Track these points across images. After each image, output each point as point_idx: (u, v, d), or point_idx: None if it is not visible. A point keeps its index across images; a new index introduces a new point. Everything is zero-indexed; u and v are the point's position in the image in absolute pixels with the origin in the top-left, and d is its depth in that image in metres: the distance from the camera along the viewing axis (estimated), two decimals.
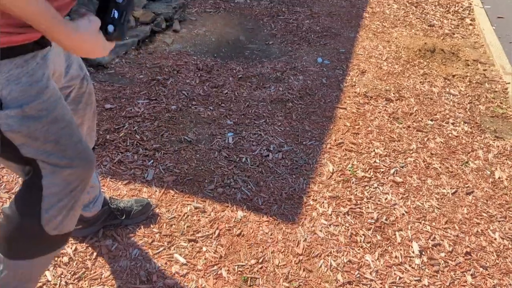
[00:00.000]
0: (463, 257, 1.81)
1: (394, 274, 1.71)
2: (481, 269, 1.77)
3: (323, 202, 2.01)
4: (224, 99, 2.71)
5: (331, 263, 1.72)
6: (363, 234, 1.86)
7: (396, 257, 1.78)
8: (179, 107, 2.59)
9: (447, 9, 4.31)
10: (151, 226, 1.81)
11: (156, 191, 1.98)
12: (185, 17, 3.66)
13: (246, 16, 3.82)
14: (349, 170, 2.22)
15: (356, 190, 2.10)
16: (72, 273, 1.59)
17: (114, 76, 2.82)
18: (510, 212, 2.05)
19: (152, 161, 2.16)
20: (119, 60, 2.97)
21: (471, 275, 1.74)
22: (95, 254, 1.66)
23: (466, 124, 2.67)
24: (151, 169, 2.10)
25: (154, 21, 3.44)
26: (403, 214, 1.99)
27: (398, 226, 1.93)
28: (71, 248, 1.68)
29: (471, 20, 4.12)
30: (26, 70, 0.97)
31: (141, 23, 3.42)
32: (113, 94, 2.63)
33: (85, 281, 1.57)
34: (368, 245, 1.82)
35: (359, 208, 2.00)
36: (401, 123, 2.63)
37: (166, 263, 1.66)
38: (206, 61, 3.12)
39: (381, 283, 1.66)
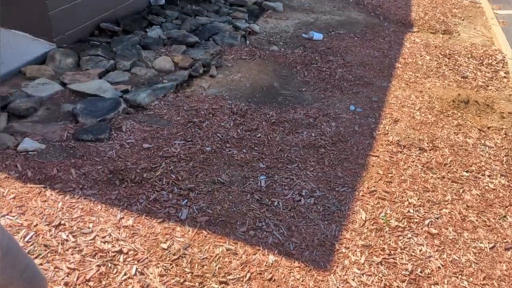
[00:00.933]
0: None
1: None
2: None
3: (355, 251, 1.98)
4: (257, 143, 2.76)
5: None
6: (397, 286, 1.82)
7: None
8: (214, 149, 2.65)
9: (481, 61, 4.32)
10: (183, 265, 1.82)
11: (189, 230, 2.00)
12: (221, 63, 3.81)
13: (280, 63, 3.94)
14: (382, 219, 2.19)
15: (390, 240, 2.06)
16: None
17: (153, 117, 2.94)
18: None
19: (186, 200, 2.20)
20: (158, 102, 3.10)
21: None
22: None
23: (503, 177, 2.62)
24: (185, 208, 2.14)
25: (192, 66, 3.60)
26: (439, 267, 1.94)
27: (434, 279, 1.87)
28: None
29: (505, 73, 4.12)
30: None
31: (180, 68, 3.57)
32: (151, 134, 2.73)
33: None
34: None
35: (393, 258, 1.96)
36: (436, 174, 2.60)
37: None
38: (241, 105, 3.21)
39: None
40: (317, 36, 4.55)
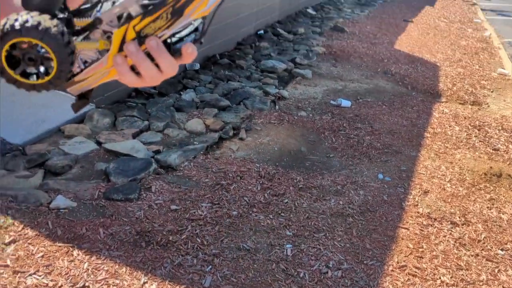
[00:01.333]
0: None
1: None
2: None
3: None
4: (284, 209, 2.74)
5: None
6: None
7: None
8: (240, 213, 2.64)
9: None
10: None
11: None
12: (251, 126, 3.90)
13: (308, 128, 4.00)
14: None
15: None
16: None
17: (182, 178, 2.98)
18: None
19: (210, 267, 2.17)
20: (188, 163, 3.16)
21: None
22: None
23: None
24: (209, 275, 2.11)
25: (223, 129, 3.69)
26: None
27: None
28: None
29: None
30: None
31: (211, 130, 3.67)
32: (180, 195, 2.76)
33: None
34: None
35: None
36: (469, 250, 2.50)
37: None
38: (268, 169, 3.23)
39: None
40: (345, 103, 4.63)
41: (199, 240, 2.35)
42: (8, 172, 2.70)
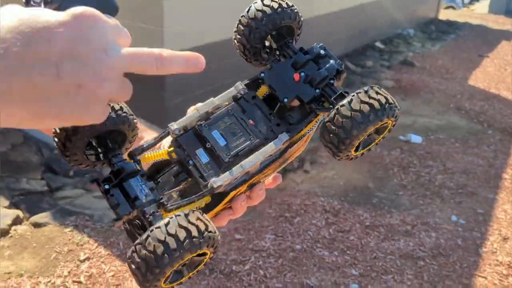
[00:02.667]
0: None
1: None
2: None
3: None
4: (350, 246, 2.65)
5: None
6: None
7: None
8: (304, 248, 2.58)
9: None
10: None
11: None
12: (315, 159, 3.85)
13: (375, 164, 3.88)
14: None
15: None
16: None
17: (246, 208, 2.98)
18: None
19: None
20: None
21: None
22: None
23: None
24: None
25: None
26: None
27: None
28: None
29: None
30: None
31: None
32: (243, 225, 2.75)
33: None
34: None
35: None
36: None
37: None
38: (333, 203, 3.15)
39: None
40: (415, 139, 4.45)
41: (262, 272, 2.32)
42: (86, 192, 2.86)
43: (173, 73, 0.52)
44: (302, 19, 0.69)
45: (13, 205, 2.66)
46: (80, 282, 2.08)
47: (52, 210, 2.63)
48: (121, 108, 0.57)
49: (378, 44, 8.44)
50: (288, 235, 2.70)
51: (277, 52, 0.68)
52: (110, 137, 0.58)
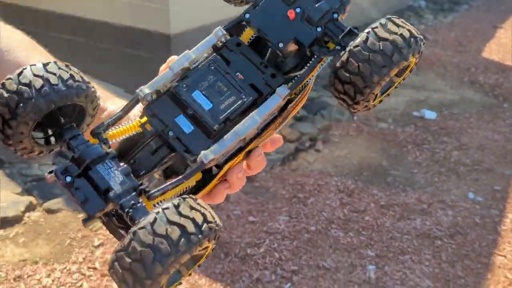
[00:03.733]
0: None
1: None
2: None
3: None
4: (365, 226, 2.61)
5: None
6: None
7: None
8: (318, 229, 2.55)
9: None
10: None
11: None
12: (328, 138, 3.79)
13: (389, 141, 3.81)
14: None
15: None
16: None
17: (259, 189, 2.95)
18: None
19: (289, 284, 2.10)
20: (264, 174, 3.13)
21: None
22: None
23: None
24: None
25: (299, 140, 3.62)
26: None
27: None
28: None
29: None
30: None
31: (287, 141, 3.61)
32: (257, 207, 2.72)
33: None
34: None
35: None
36: None
37: None
38: (347, 183, 3.11)
39: None
40: (429, 114, 4.36)
41: (277, 255, 2.30)
42: None
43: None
44: None
45: (26, 191, 2.65)
46: (95, 268, 2.08)
47: (65, 196, 2.62)
48: (72, 76, 0.46)
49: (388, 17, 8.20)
50: (303, 217, 2.67)
51: None
52: (63, 113, 0.47)
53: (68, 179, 0.43)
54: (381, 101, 0.52)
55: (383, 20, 0.48)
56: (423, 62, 6.01)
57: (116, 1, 3.62)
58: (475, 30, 7.78)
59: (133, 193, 0.44)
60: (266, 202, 2.79)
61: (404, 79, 0.52)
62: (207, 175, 0.51)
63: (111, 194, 0.43)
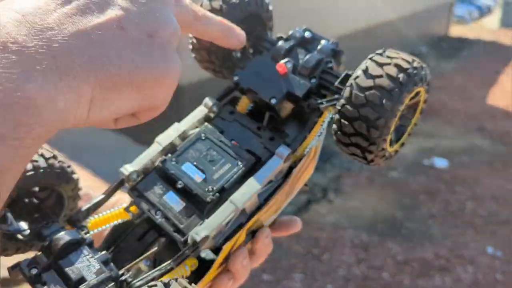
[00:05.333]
0: None
1: None
2: None
3: None
4: (384, 285, 2.51)
5: None
6: None
7: None
8: None
9: None
10: None
11: None
12: (340, 187, 3.74)
13: (401, 191, 3.75)
14: None
15: None
16: None
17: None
18: None
19: None
20: None
21: None
22: None
23: None
24: None
25: (310, 190, 3.57)
26: None
27: None
28: None
29: None
30: None
31: (299, 192, 3.57)
32: (270, 264, 2.64)
33: None
34: None
35: None
36: None
37: None
38: (361, 236, 3.03)
39: None
40: (440, 163, 4.33)
41: None
42: None
43: (210, 39, 0.42)
44: (270, 7, 0.52)
45: None
46: None
47: None
48: (54, 157, 0.41)
49: None
50: (318, 274, 2.58)
51: (251, 51, 0.51)
52: (39, 199, 0.42)
53: (34, 271, 0.36)
54: (403, 144, 0.46)
55: (379, 50, 0.44)
56: (430, 109, 6.04)
57: None
58: (478, 76, 7.89)
59: (111, 284, 0.36)
60: (280, 259, 2.71)
61: (421, 112, 0.47)
62: (205, 264, 0.43)
63: (83, 286, 0.35)
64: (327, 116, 0.49)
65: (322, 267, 2.65)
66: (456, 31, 11.21)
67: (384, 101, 0.39)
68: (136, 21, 0.32)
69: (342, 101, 0.41)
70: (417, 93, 0.44)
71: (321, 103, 0.46)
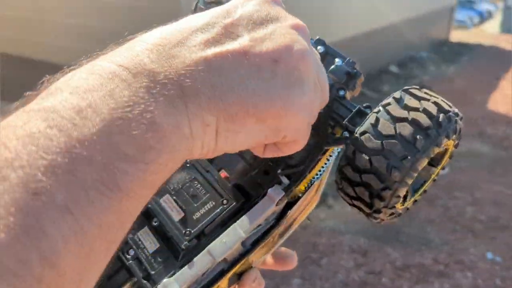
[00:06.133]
0: None
1: None
2: None
3: None
4: None
5: None
6: None
7: None
8: None
9: None
10: None
11: None
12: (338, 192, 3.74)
13: None
14: None
15: None
16: None
17: None
18: None
19: None
20: None
21: None
22: None
23: None
24: None
25: None
26: None
27: None
28: None
29: None
30: None
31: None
32: (268, 269, 2.63)
33: None
34: None
35: None
36: None
37: None
38: (360, 241, 3.02)
39: None
40: None
41: None
42: None
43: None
44: None
45: None
46: None
47: None
48: None
49: (392, 68, 8.39)
50: (317, 280, 2.57)
51: None
52: None
53: None
54: (416, 201, 0.41)
55: (397, 93, 0.37)
56: None
57: None
58: (478, 81, 7.89)
59: None
60: None
61: (443, 168, 0.41)
62: None
63: None
64: (332, 152, 0.43)
65: (320, 272, 2.64)
66: (457, 35, 11.23)
67: (391, 171, 0.34)
68: (260, 47, 0.30)
69: (366, 124, 0.36)
70: (444, 147, 0.38)
71: (327, 142, 0.40)
